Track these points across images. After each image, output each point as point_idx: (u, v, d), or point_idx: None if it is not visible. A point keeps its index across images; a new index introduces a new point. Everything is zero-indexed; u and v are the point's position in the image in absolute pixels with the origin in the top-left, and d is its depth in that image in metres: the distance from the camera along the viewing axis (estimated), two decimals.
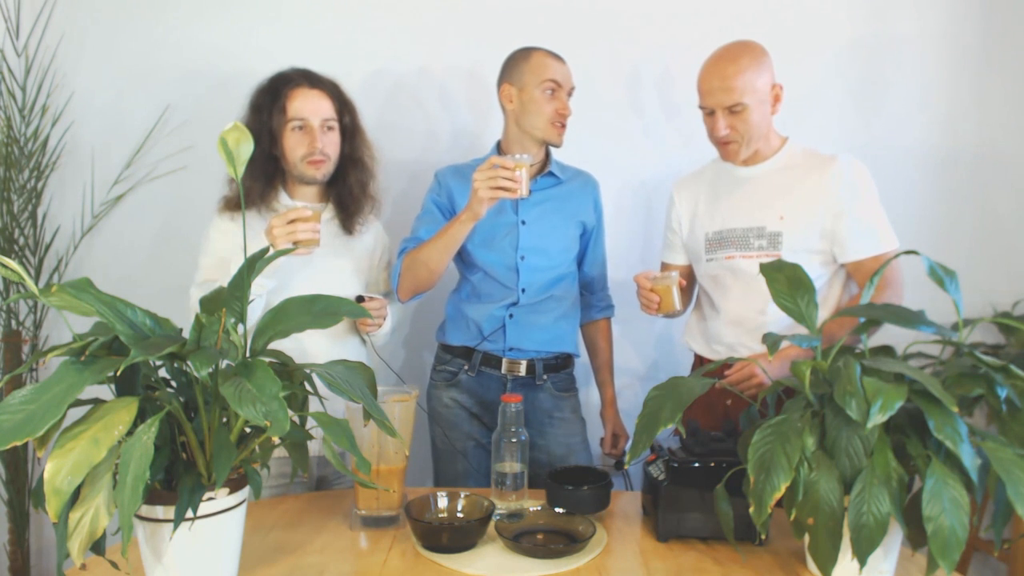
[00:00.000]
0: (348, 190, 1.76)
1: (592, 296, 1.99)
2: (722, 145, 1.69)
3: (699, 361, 1.86)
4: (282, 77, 1.71)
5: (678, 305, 1.66)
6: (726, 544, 1.30)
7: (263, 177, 1.69)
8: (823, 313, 1.63)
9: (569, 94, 1.84)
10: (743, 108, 1.62)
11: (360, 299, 1.70)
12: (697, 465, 1.32)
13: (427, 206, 1.89)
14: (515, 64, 1.83)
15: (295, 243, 1.50)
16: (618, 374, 2.06)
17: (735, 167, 1.76)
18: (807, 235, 1.64)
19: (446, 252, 1.72)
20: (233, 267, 1.54)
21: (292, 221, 1.49)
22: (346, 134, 1.76)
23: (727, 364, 1.61)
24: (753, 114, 1.63)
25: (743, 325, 1.70)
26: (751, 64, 1.62)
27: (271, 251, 1.15)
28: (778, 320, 1.63)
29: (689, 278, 1.86)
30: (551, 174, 1.88)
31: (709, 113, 1.67)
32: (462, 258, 1.89)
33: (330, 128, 1.71)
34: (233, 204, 1.71)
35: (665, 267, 1.91)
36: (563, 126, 1.83)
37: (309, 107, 1.67)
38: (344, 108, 1.75)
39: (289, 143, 1.68)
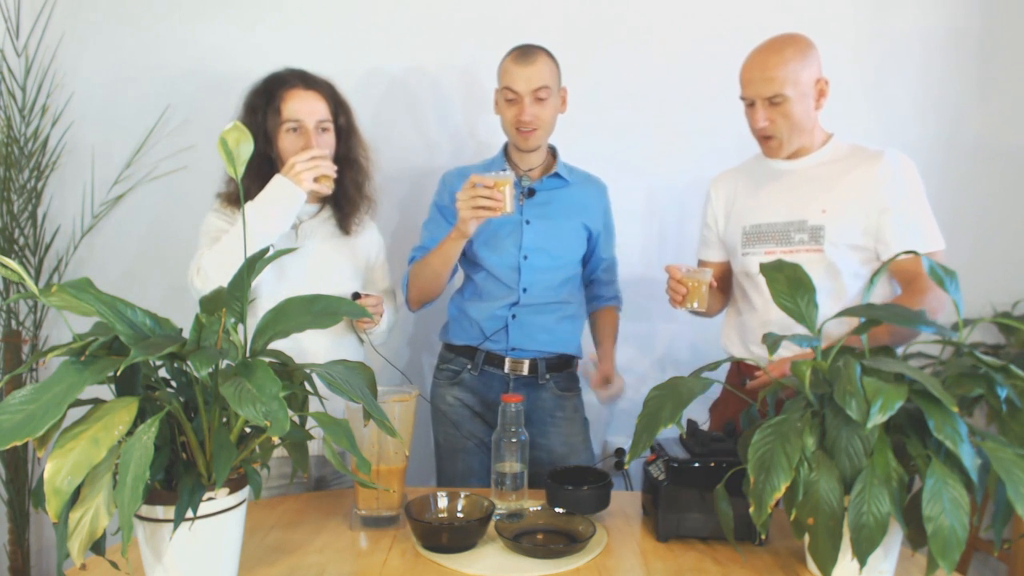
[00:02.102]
0: (344, 191, 1.76)
1: (599, 288, 2.00)
2: (762, 140, 1.65)
3: (736, 367, 1.78)
4: (277, 78, 1.71)
5: (705, 302, 1.61)
6: (726, 544, 1.30)
7: (259, 178, 1.69)
8: None
9: (538, 97, 1.76)
10: (783, 100, 1.57)
11: (356, 296, 1.70)
12: (697, 465, 1.32)
13: (432, 211, 1.92)
14: (498, 68, 1.83)
15: (316, 180, 1.58)
16: (623, 374, 2.05)
17: (776, 160, 1.71)
18: (850, 230, 1.58)
19: (444, 266, 1.75)
20: (231, 237, 1.56)
21: (314, 157, 1.57)
22: (341, 135, 1.76)
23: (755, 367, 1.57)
24: (795, 107, 1.58)
25: (781, 323, 1.61)
26: (795, 55, 1.57)
27: (271, 250, 1.15)
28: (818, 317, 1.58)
29: (726, 277, 1.83)
30: (556, 175, 1.88)
31: (749, 104, 1.63)
32: (466, 257, 1.90)
33: (325, 129, 1.70)
34: (231, 200, 1.71)
35: (701, 264, 1.88)
36: (528, 131, 1.77)
37: (304, 109, 1.67)
38: (339, 109, 1.75)
39: (284, 145, 1.68)
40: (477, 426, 1.90)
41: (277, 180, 1.57)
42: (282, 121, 1.67)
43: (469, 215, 1.60)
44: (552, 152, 1.92)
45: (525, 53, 1.77)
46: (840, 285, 1.61)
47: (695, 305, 1.61)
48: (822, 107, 1.63)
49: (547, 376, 1.87)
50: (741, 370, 1.74)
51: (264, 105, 1.67)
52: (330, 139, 1.72)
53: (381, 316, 1.75)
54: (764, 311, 1.68)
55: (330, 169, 1.60)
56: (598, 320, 2.01)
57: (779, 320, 1.61)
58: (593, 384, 1.92)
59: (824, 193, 1.62)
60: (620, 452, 2.37)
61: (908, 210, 1.57)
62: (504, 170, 1.61)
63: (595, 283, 1.99)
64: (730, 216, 1.77)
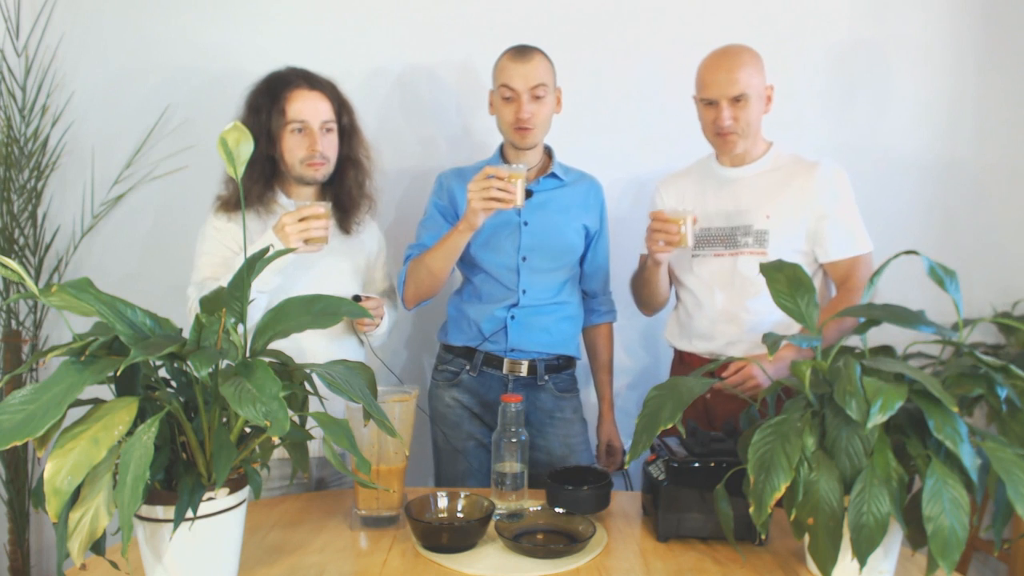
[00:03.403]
0: (346, 190, 1.76)
1: (594, 300, 1.99)
2: (721, 137, 1.71)
3: (679, 357, 1.88)
4: (280, 78, 1.70)
5: (690, 240, 1.62)
6: (726, 544, 1.30)
7: (261, 178, 1.69)
8: None
9: (536, 96, 1.76)
10: (746, 100, 1.67)
11: (357, 299, 1.70)
12: (697, 465, 1.32)
13: (429, 210, 1.90)
14: (493, 68, 1.84)
15: (306, 240, 1.52)
16: (620, 374, 2.06)
17: (722, 168, 1.81)
18: (793, 235, 1.71)
19: (447, 261, 1.74)
20: (236, 265, 1.55)
21: (304, 219, 1.51)
22: (344, 135, 1.76)
23: (723, 364, 1.62)
24: (753, 108, 1.69)
25: (730, 322, 1.74)
26: (751, 60, 1.70)
27: (271, 250, 1.15)
28: (764, 317, 1.67)
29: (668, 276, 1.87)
30: (553, 175, 1.88)
31: (709, 104, 1.71)
32: (464, 259, 1.89)
33: (329, 130, 1.70)
34: (229, 204, 1.71)
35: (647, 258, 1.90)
36: (526, 129, 1.77)
37: (309, 109, 1.67)
38: (342, 109, 1.75)
39: (288, 145, 1.68)
40: (476, 427, 1.89)
41: (267, 237, 1.54)
42: (287, 122, 1.66)
43: (481, 206, 1.60)
44: (548, 152, 1.92)
45: (522, 51, 1.79)
46: None
47: (685, 245, 1.62)
48: (768, 112, 1.75)
49: (546, 377, 1.87)
50: (684, 361, 1.84)
51: (268, 105, 1.67)
52: (334, 139, 1.72)
53: (382, 319, 1.75)
54: (713, 310, 1.77)
55: (321, 231, 1.53)
56: (596, 344, 2.01)
57: (729, 319, 1.74)
58: (599, 456, 2.00)
59: (768, 200, 1.73)
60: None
61: (843, 217, 1.70)
62: (518, 165, 1.62)
63: (591, 289, 1.98)
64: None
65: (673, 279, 1.88)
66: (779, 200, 1.71)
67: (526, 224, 1.84)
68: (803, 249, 1.72)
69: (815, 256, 1.73)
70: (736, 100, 1.67)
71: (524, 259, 1.83)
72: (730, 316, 1.74)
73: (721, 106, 1.68)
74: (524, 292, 1.83)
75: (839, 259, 1.70)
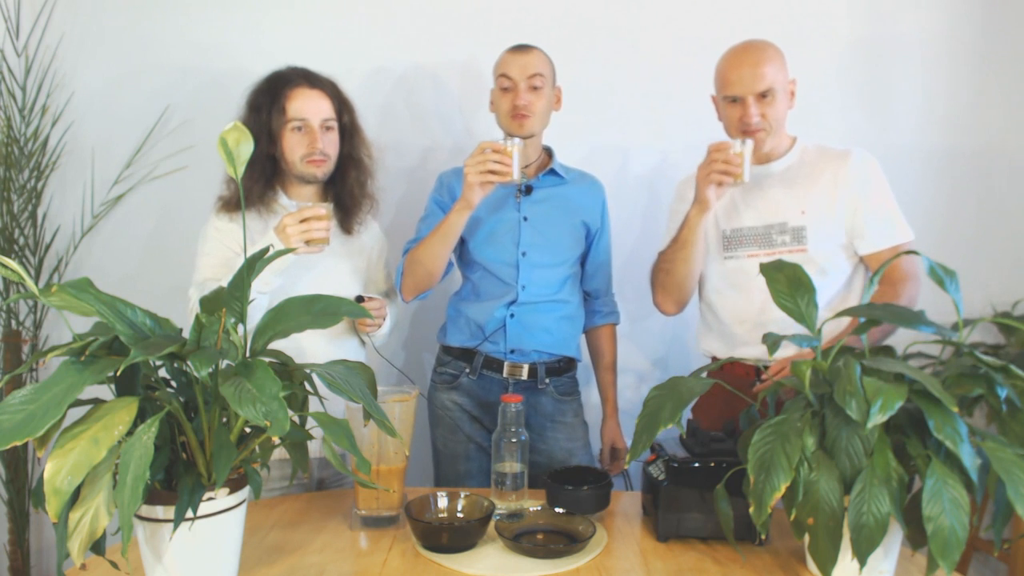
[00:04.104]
0: (347, 189, 1.76)
1: (596, 301, 1.98)
2: (749, 135, 1.65)
3: (719, 366, 1.79)
4: (280, 77, 1.71)
5: (747, 175, 1.57)
6: (726, 544, 1.30)
7: (262, 178, 1.69)
8: (850, 304, 1.64)
9: (533, 86, 1.78)
10: (772, 96, 1.63)
11: (360, 299, 1.70)
12: (697, 465, 1.32)
13: (430, 207, 1.90)
14: (494, 65, 1.85)
15: (308, 241, 1.52)
16: (623, 373, 2.05)
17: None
18: (831, 228, 1.64)
19: (443, 245, 1.71)
20: (237, 266, 1.55)
21: (306, 219, 1.51)
22: (345, 133, 1.76)
23: (744, 365, 1.59)
24: (779, 104, 1.64)
25: (772, 325, 1.63)
26: (776, 55, 1.65)
27: (271, 250, 1.15)
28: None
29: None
30: (553, 172, 1.88)
31: (732, 101, 1.66)
32: (463, 257, 1.89)
33: (329, 128, 1.71)
34: (231, 205, 1.71)
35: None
36: (523, 116, 1.77)
37: (309, 107, 1.67)
38: (343, 107, 1.75)
39: (289, 143, 1.68)
40: (475, 430, 1.88)
41: (268, 237, 1.54)
42: (287, 120, 1.66)
43: (477, 179, 1.58)
44: (548, 152, 1.92)
45: (521, 45, 1.82)
46: (825, 282, 1.64)
47: (743, 179, 1.57)
48: (792, 107, 1.70)
49: (546, 380, 1.86)
50: (724, 369, 1.73)
51: (268, 104, 1.67)
52: (334, 138, 1.73)
53: (384, 320, 1.75)
54: (752, 314, 1.69)
55: (323, 232, 1.53)
56: (599, 346, 2.00)
57: (769, 322, 1.62)
58: (602, 459, 1.98)
59: (801, 194, 1.67)
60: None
61: (880, 205, 1.65)
62: (514, 139, 1.61)
63: (593, 290, 1.97)
64: (705, 220, 1.76)
65: (700, 283, 1.80)
66: (813, 194, 1.65)
67: (526, 219, 1.84)
68: (843, 242, 1.65)
69: (855, 248, 1.66)
70: (763, 96, 1.62)
71: (524, 254, 1.83)
72: (772, 318, 1.63)
73: (747, 103, 1.63)
74: (523, 288, 1.83)
75: (879, 250, 1.63)
